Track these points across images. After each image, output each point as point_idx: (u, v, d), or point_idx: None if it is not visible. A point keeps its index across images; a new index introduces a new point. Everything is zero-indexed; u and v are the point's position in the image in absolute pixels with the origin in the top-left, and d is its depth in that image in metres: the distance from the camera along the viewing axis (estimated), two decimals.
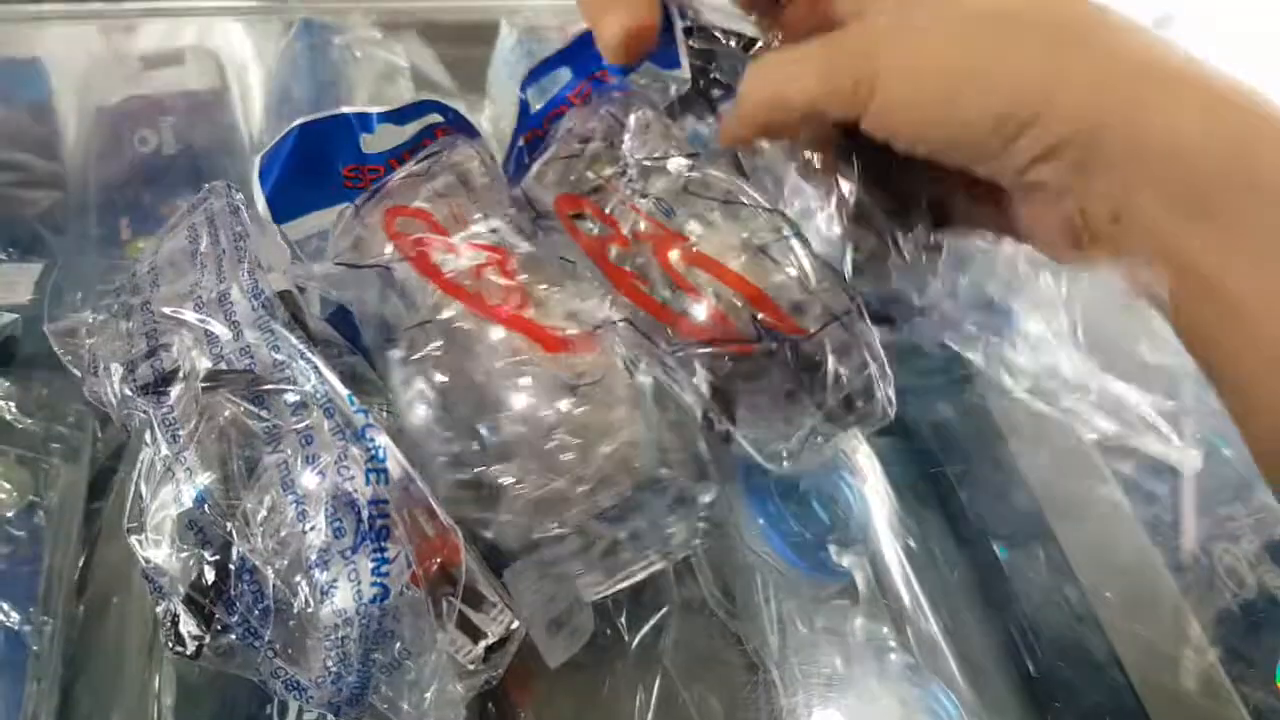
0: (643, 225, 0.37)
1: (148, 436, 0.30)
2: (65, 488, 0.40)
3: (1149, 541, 0.50)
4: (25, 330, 0.43)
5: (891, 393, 0.34)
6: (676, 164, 0.37)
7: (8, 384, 0.41)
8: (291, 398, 0.30)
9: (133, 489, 0.30)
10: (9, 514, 0.39)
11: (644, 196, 0.37)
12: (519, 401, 0.33)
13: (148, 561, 0.29)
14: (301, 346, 0.31)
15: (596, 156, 0.40)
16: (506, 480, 0.32)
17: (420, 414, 0.33)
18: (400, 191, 0.39)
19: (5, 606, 0.37)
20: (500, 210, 0.39)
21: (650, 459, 0.33)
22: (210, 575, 0.28)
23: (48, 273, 0.46)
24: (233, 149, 0.57)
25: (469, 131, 0.42)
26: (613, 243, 0.37)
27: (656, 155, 0.38)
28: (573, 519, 0.32)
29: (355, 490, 0.29)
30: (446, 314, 0.34)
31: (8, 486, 0.39)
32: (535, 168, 0.41)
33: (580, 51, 0.43)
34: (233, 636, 0.29)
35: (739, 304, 0.34)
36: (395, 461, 0.29)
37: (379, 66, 0.63)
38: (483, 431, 0.32)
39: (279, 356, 0.31)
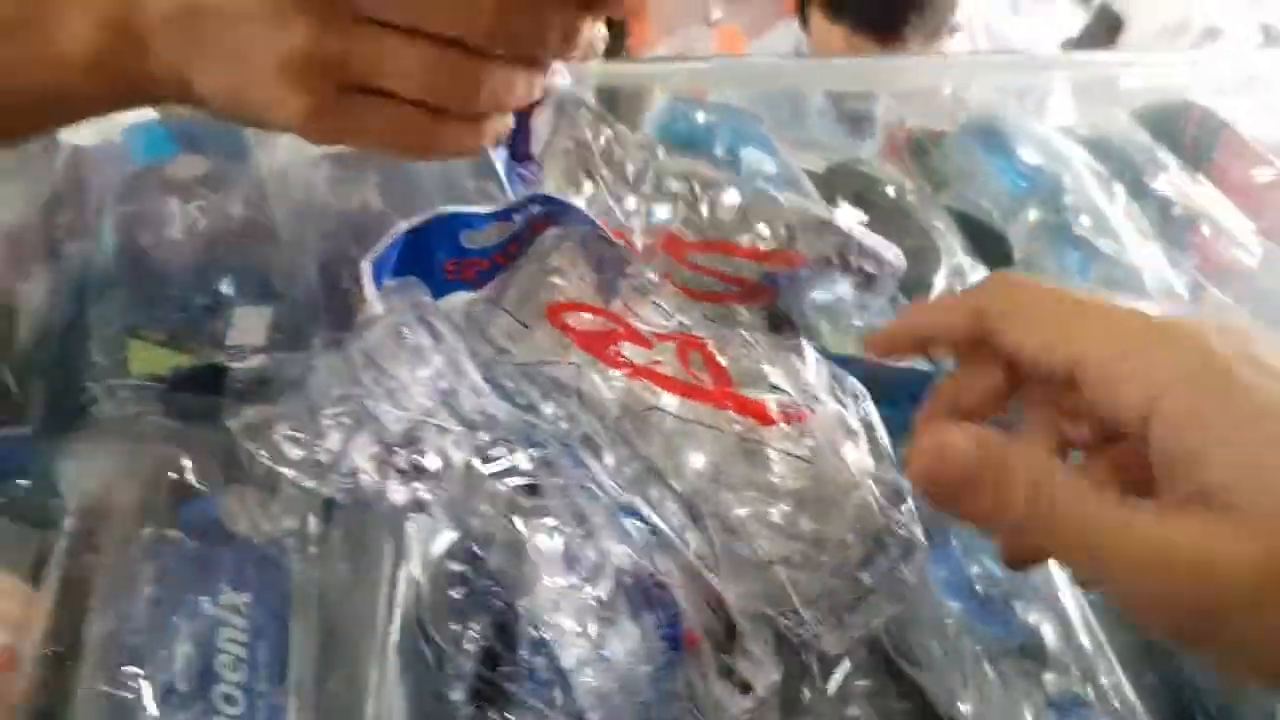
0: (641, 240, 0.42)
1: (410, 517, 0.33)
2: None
3: None
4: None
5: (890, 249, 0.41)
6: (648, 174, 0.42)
7: None
8: (560, 481, 0.32)
9: (423, 565, 0.33)
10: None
11: (630, 213, 0.43)
12: (742, 477, 0.35)
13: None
14: (561, 435, 0.34)
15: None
16: (742, 548, 0.34)
17: (655, 495, 0.35)
18: (554, 288, 0.40)
19: None
20: (663, 292, 0.41)
21: (878, 514, 0.35)
22: (503, 641, 0.31)
23: (279, 316, 0.50)
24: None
25: (579, 219, 0.42)
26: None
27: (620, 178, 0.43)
28: (819, 580, 0.34)
29: (629, 552, 0.31)
30: (652, 403, 0.36)
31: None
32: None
33: None
34: (526, 685, 0.30)
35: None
36: (660, 525, 0.32)
37: None
38: (711, 508, 0.34)
39: (531, 441, 0.33)
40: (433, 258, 0.42)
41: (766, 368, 0.38)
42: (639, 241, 0.42)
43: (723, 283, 0.42)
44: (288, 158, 0.64)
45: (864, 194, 0.63)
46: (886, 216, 0.62)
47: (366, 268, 0.39)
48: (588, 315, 0.39)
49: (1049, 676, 0.45)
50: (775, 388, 0.37)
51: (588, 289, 0.41)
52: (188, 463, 0.45)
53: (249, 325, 0.50)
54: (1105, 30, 2.32)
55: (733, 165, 0.60)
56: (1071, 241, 0.56)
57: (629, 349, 0.37)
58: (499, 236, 0.42)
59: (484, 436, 0.34)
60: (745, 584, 0.33)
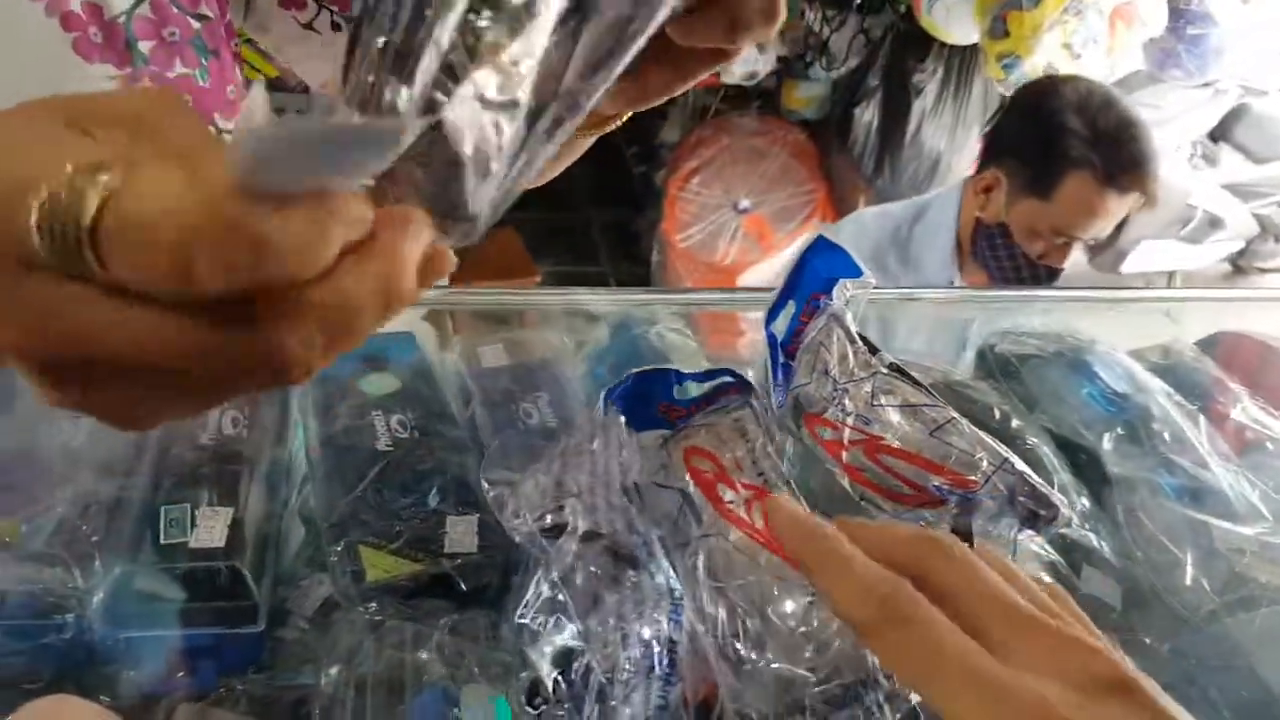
0: (848, 435, 0.53)
1: (541, 568, 0.47)
2: None
3: None
4: None
5: (1057, 495, 0.48)
6: (866, 387, 0.53)
7: None
8: (634, 560, 0.46)
9: (530, 592, 0.46)
10: None
11: (847, 414, 0.53)
12: (772, 604, 0.45)
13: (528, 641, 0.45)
14: (645, 528, 0.48)
15: (816, 391, 0.56)
16: (757, 656, 0.44)
17: (700, 598, 0.47)
18: (696, 436, 0.55)
19: None
20: (767, 459, 0.54)
21: (871, 660, 0.43)
22: (560, 665, 0.43)
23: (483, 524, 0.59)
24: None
25: (749, 390, 0.58)
26: (841, 449, 0.53)
27: (850, 380, 0.54)
28: (808, 698, 0.43)
29: (660, 631, 0.43)
30: (726, 533, 0.49)
31: None
32: (789, 396, 0.58)
33: (796, 284, 0.58)
34: (566, 706, 0.43)
35: (927, 477, 0.49)
36: (688, 618, 0.44)
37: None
38: (744, 619, 0.45)
39: (633, 530, 0.47)
40: (651, 398, 0.57)
41: None
42: (846, 436, 0.53)
43: (906, 486, 0.50)
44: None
45: (967, 412, 0.72)
46: (988, 433, 0.70)
47: (603, 393, 0.55)
48: (706, 460, 0.54)
49: None
50: None
51: (732, 448, 0.55)
52: (424, 657, 0.52)
53: (459, 534, 0.57)
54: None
55: None
56: (1162, 462, 0.64)
57: (722, 488, 0.52)
58: (697, 393, 0.58)
59: (602, 514, 0.48)
60: (744, 682, 0.44)
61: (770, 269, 2.66)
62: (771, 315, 0.62)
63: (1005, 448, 0.49)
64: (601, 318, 0.83)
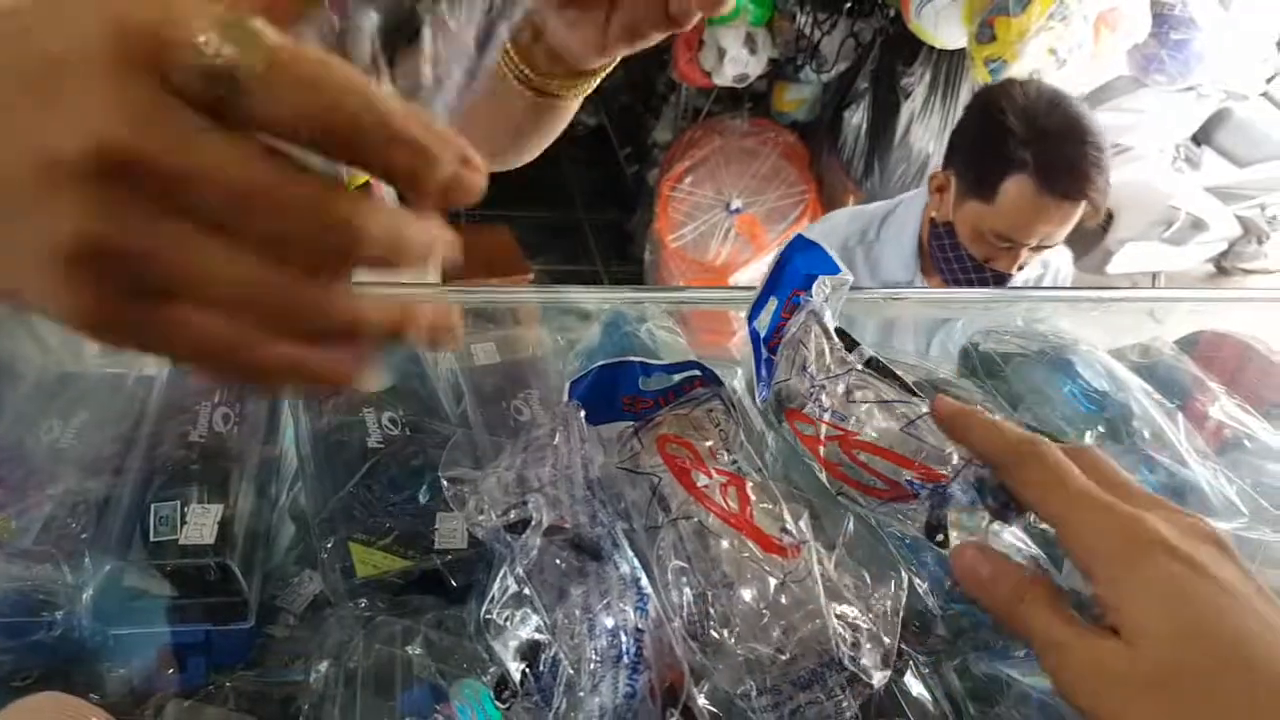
0: (824, 431, 0.54)
1: (506, 563, 0.48)
2: None
3: None
4: None
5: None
6: (841, 384, 0.54)
7: None
8: (597, 550, 0.47)
9: (495, 587, 0.47)
10: None
11: (824, 409, 0.54)
12: (741, 584, 0.47)
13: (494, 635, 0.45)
14: (609, 519, 0.49)
15: (795, 387, 0.57)
16: (726, 636, 0.45)
17: (670, 580, 0.48)
18: (669, 425, 0.57)
19: None
20: (740, 448, 0.56)
21: (835, 643, 0.45)
22: (528, 658, 0.44)
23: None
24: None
25: (717, 383, 0.59)
26: (818, 444, 0.54)
27: (826, 377, 0.55)
28: (771, 679, 0.44)
29: (626, 621, 0.45)
30: (698, 516, 0.50)
31: None
32: (771, 391, 0.59)
33: (777, 282, 0.60)
34: (535, 698, 0.44)
35: (899, 471, 0.50)
36: (654, 607, 0.45)
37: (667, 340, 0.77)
38: (713, 599, 0.47)
39: (597, 521, 0.48)
40: (616, 391, 0.58)
41: (787, 515, 0.50)
42: (822, 432, 0.54)
43: (880, 481, 0.51)
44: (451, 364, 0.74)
45: None
46: None
47: (567, 385, 0.56)
48: (681, 447, 0.55)
49: None
50: (786, 530, 0.50)
51: (705, 437, 0.56)
52: (413, 652, 0.52)
53: (449, 531, 0.58)
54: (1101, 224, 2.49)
55: None
56: (1143, 459, 0.65)
57: (696, 474, 0.53)
58: (664, 385, 0.59)
59: (565, 508, 0.50)
60: (715, 659, 0.45)
61: (762, 269, 2.67)
62: (754, 312, 0.63)
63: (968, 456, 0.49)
64: (593, 316, 0.84)
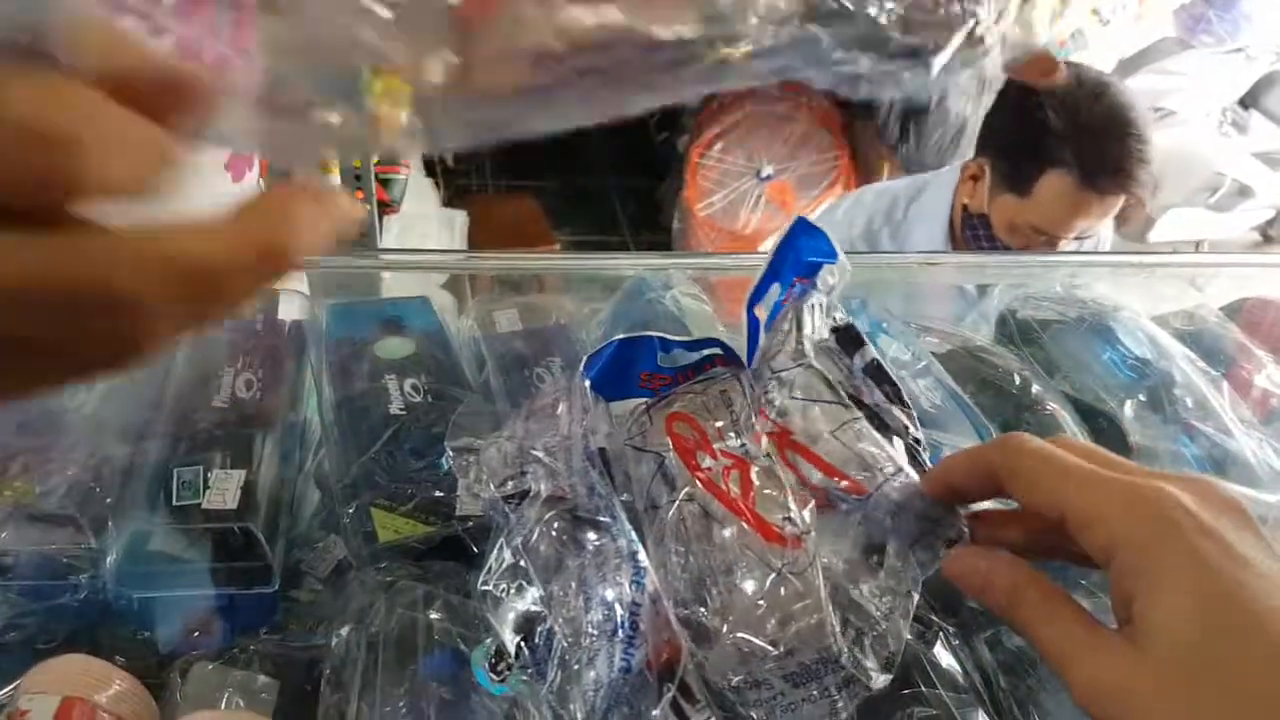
0: (769, 425, 0.51)
1: (504, 534, 0.47)
2: None
3: None
4: None
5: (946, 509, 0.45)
6: (792, 378, 0.51)
7: None
8: (596, 523, 0.46)
9: (493, 558, 0.46)
10: None
11: (771, 404, 0.51)
12: (738, 572, 0.45)
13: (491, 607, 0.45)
14: (607, 491, 0.47)
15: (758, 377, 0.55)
16: (719, 625, 0.43)
17: (668, 563, 0.46)
18: (681, 403, 0.54)
19: None
20: (749, 431, 0.52)
21: (833, 640, 0.43)
22: (524, 630, 0.44)
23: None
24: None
25: (739, 363, 0.56)
26: (764, 438, 0.51)
27: (784, 369, 0.52)
28: (764, 671, 0.42)
29: (622, 594, 0.43)
30: (700, 499, 0.48)
31: None
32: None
33: (780, 268, 0.56)
34: (529, 672, 0.43)
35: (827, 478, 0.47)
36: (651, 580, 0.43)
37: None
38: (709, 586, 0.45)
39: (595, 493, 0.47)
40: (633, 366, 0.55)
41: (791, 504, 0.47)
42: (768, 427, 0.51)
43: (804, 487, 0.49)
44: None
45: (987, 378, 0.71)
46: (1009, 399, 0.69)
47: (584, 360, 0.53)
48: (688, 426, 0.52)
49: None
50: (789, 519, 0.47)
51: (715, 418, 0.53)
52: (434, 617, 0.52)
53: (469, 499, 0.57)
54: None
55: None
56: (1184, 429, 0.63)
57: (701, 455, 0.50)
58: (683, 361, 0.56)
59: (564, 479, 0.48)
60: (707, 648, 0.43)
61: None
62: (755, 296, 0.60)
63: (905, 459, 0.46)
64: (620, 284, 0.83)
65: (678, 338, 0.57)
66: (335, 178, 1.77)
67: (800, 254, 0.56)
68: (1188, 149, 2.45)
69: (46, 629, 0.51)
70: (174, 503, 0.54)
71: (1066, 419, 0.64)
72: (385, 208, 1.92)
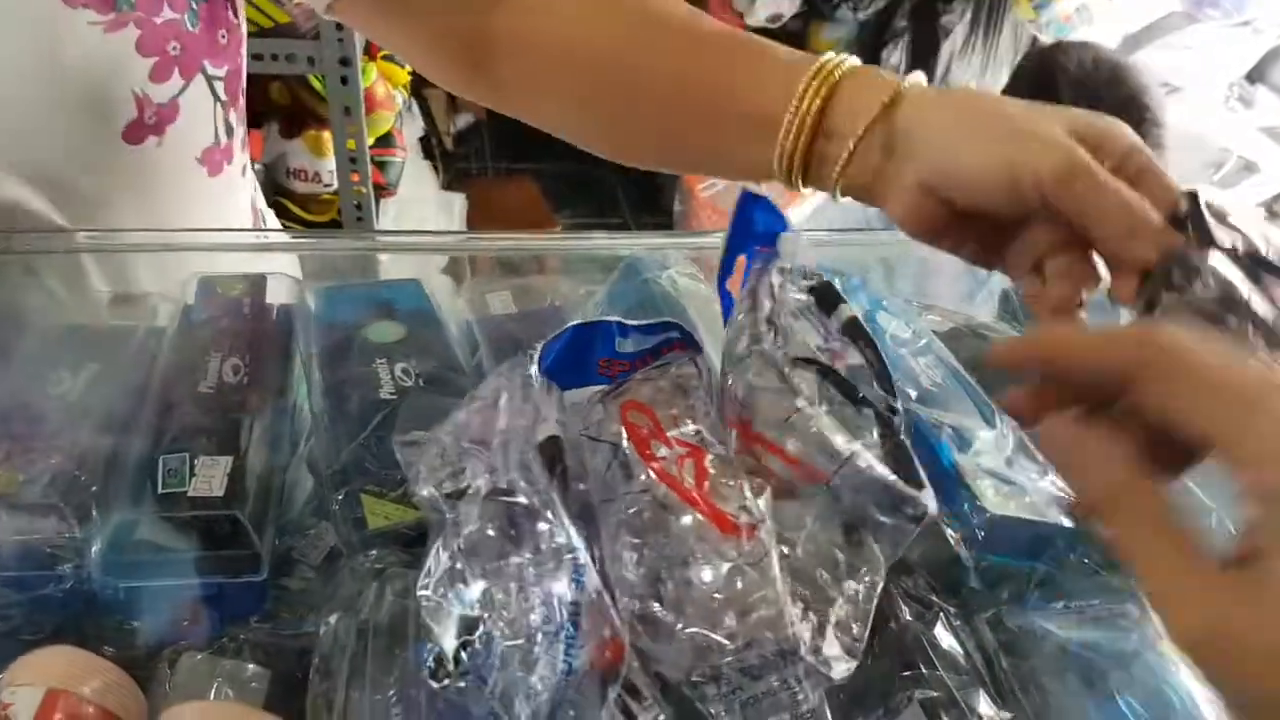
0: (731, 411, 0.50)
1: (443, 534, 0.45)
2: None
3: None
4: None
5: (907, 488, 0.44)
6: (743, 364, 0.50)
7: None
8: (535, 518, 0.43)
9: (430, 561, 0.44)
10: None
11: (733, 394, 0.50)
12: (695, 564, 0.44)
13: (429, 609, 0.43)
14: (546, 486, 0.44)
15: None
16: (675, 620, 0.42)
17: (622, 557, 0.45)
18: (636, 390, 0.53)
19: None
20: (705, 418, 0.51)
21: (792, 631, 0.42)
22: (464, 634, 0.42)
23: None
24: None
25: (696, 347, 0.55)
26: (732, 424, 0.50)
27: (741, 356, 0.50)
28: (721, 667, 0.42)
29: (563, 593, 0.41)
30: (654, 489, 0.47)
31: None
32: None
33: (738, 240, 0.56)
34: (469, 678, 0.41)
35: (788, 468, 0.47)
36: (590, 578, 0.41)
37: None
38: (664, 580, 0.44)
39: (535, 489, 0.44)
40: (591, 353, 0.54)
41: (747, 492, 0.46)
42: (730, 411, 0.50)
43: (761, 475, 0.48)
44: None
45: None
46: (1010, 376, 0.68)
47: (537, 349, 0.52)
48: (642, 414, 0.51)
49: None
50: (744, 508, 0.46)
51: (671, 405, 0.52)
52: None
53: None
54: None
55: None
56: None
57: (655, 445, 0.49)
58: (641, 347, 0.55)
59: (502, 475, 0.46)
60: (664, 643, 0.42)
61: (795, 217, 2.62)
62: (724, 273, 0.59)
63: (853, 444, 0.45)
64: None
65: (635, 322, 0.55)
66: (330, 161, 1.75)
67: (753, 225, 0.55)
68: (1193, 124, 2.42)
69: (31, 620, 0.51)
70: (160, 490, 0.53)
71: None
72: (381, 190, 1.90)
